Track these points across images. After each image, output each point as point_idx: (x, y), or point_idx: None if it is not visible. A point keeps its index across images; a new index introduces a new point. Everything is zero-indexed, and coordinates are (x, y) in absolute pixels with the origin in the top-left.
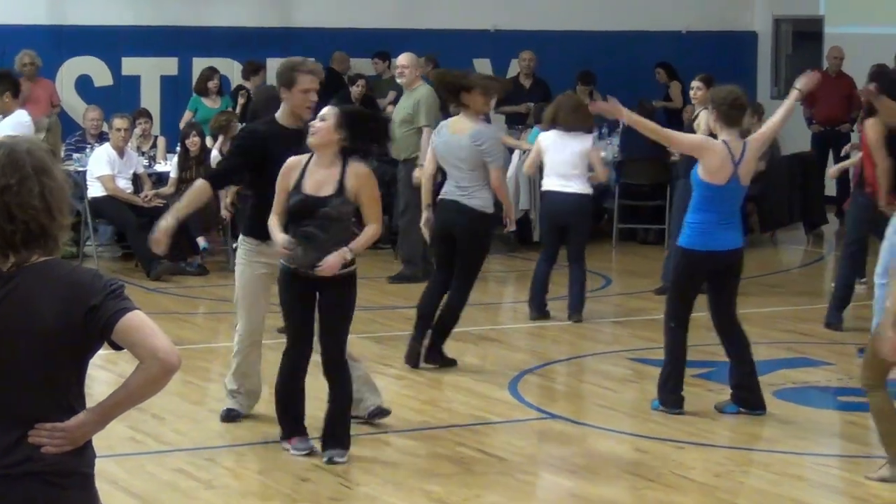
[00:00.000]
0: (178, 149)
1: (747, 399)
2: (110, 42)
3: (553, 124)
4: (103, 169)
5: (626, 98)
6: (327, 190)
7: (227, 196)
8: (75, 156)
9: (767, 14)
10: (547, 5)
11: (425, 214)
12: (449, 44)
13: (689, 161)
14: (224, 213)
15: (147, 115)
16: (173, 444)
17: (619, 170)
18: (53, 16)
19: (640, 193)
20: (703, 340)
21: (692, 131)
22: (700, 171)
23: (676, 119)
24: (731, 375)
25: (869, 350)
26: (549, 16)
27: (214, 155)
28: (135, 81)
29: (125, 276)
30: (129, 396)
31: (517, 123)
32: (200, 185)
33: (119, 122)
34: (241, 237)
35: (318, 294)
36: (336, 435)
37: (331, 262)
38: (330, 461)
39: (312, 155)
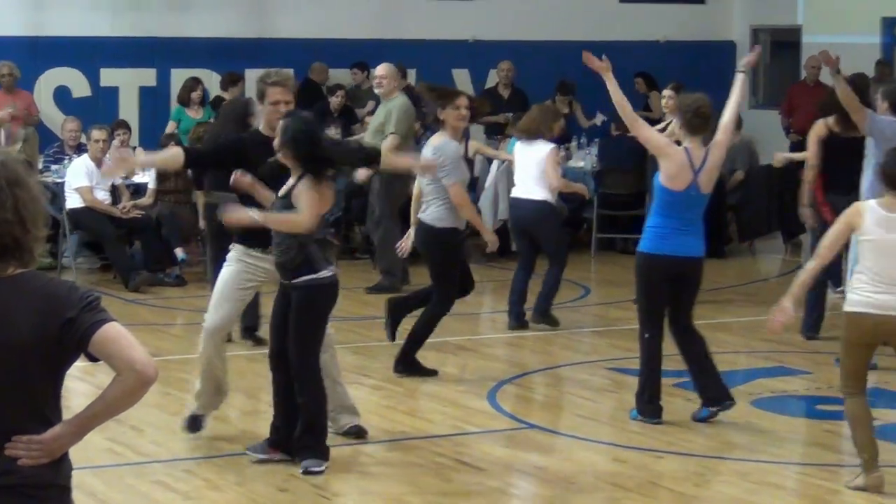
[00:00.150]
0: None
1: (715, 397)
2: (88, 53)
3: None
4: (81, 180)
5: (607, 107)
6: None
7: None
8: (53, 167)
9: (745, 24)
10: (525, 15)
11: (408, 232)
12: (427, 54)
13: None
14: (202, 223)
15: (125, 126)
16: (152, 456)
17: (597, 180)
18: (31, 27)
19: (618, 203)
20: None
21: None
22: (660, 176)
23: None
24: (694, 381)
25: (842, 356)
26: (527, 26)
27: None
28: (113, 92)
29: (103, 288)
30: (107, 408)
31: (496, 133)
32: (175, 151)
33: (97, 134)
34: (233, 243)
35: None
36: (305, 445)
37: (230, 212)
38: (304, 471)
39: None
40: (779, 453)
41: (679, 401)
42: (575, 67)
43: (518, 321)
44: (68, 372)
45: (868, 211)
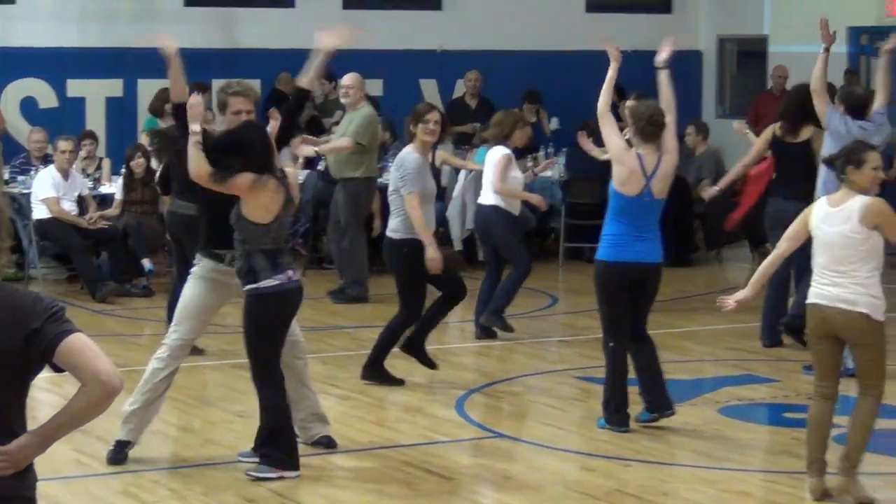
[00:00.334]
0: (123, 170)
1: (660, 405)
2: (55, 64)
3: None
4: (48, 191)
5: (575, 117)
6: None
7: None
8: (20, 178)
9: (712, 33)
10: (492, 25)
11: None
12: (395, 64)
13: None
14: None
15: (92, 136)
16: (118, 467)
17: (564, 189)
18: None
19: (585, 212)
20: None
21: None
22: (613, 181)
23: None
24: (642, 386)
25: (810, 351)
26: (494, 36)
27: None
28: (80, 103)
29: (70, 298)
30: (72, 419)
31: (463, 143)
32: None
33: (64, 144)
34: (197, 256)
35: None
36: (262, 453)
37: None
38: (248, 474)
39: None
40: (746, 461)
41: None
42: (542, 77)
43: (485, 331)
44: (34, 383)
45: (817, 207)
